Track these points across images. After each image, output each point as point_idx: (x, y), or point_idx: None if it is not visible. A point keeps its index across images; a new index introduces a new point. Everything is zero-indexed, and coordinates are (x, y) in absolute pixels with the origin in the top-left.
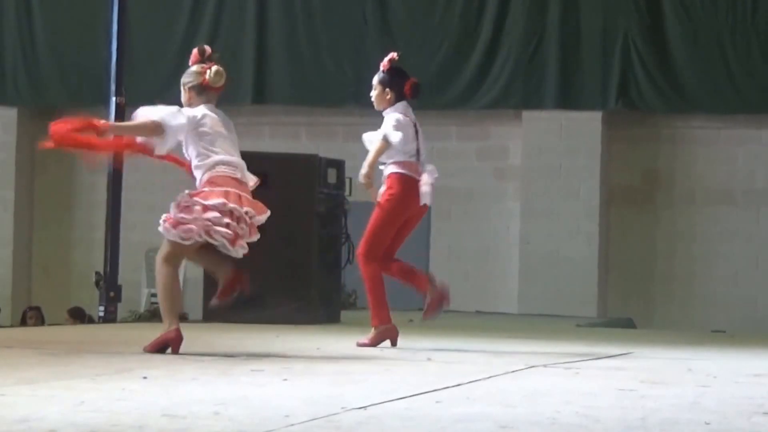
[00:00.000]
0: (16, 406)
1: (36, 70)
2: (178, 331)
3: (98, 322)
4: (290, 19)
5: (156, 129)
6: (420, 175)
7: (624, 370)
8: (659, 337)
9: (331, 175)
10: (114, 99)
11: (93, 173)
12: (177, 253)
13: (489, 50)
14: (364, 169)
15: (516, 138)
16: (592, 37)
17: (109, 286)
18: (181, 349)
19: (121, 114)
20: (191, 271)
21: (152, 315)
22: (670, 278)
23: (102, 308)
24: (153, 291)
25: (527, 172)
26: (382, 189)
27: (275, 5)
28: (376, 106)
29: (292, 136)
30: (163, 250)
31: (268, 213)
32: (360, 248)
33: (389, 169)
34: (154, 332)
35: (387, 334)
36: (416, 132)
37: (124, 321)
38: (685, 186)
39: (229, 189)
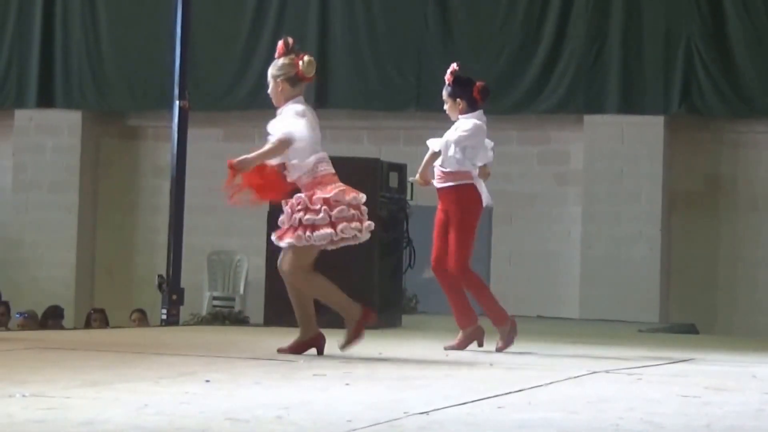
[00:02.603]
0: (80, 409)
1: (101, 74)
2: (320, 334)
3: (161, 325)
4: (352, 24)
5: (285, 143)
6: (476, 179)
7: (687, 376)
8: (722, 343)
9: (393, 179)
10: (177, 103)
11: (156, 177)
12: (306, 259)
13: (551, 54)
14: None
15: (577, 142)
16: (655, 42)
17: (172, 289)
18: (244, 353)
19: (185, 118)
20: (252, 275)
21: (214, 318)
22: (733, 284)
23: (164, 311)
24: (215, 294)
25: (589, 177)
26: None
27: (337, 10)
28: (452, 118)
29: (354, 139)
30: (288, 261)
31: (364, 196)
32: (453, 265)
33: (452, 180)
34: (216, 336)
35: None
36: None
37: (187, 324)
38: (748, 191)
39: (337, 185)
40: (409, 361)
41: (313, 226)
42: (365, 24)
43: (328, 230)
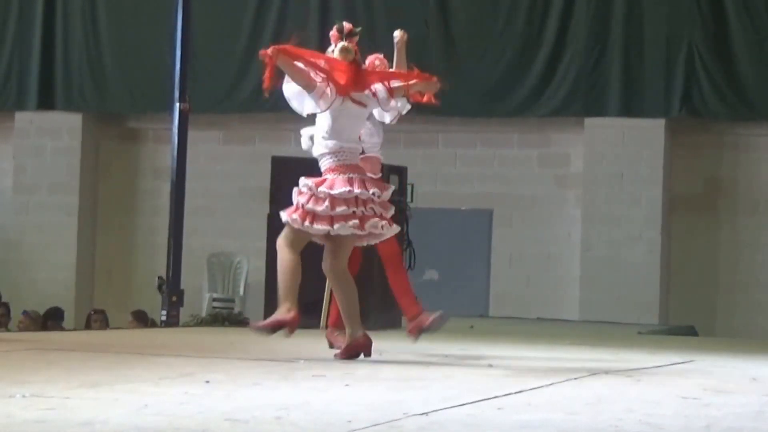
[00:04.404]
0: (80, 410)
1: (101, 77)
2: (296, 314)
3: (161, 326)
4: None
5: (309, 85)
6: None
7: (686, 378)
8: (722, 345)
9: (393, 182)
10: (178, 105)
11: (157, 179)
12: (297, 239)
13: (552, 57)
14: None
15: (578, 145)
16: (656, 45)
17: (172, 290)
18: (244, 354)
19: (185, 120)
20: (252, 276)
21: (213, 319)
22: (733, 286)
23: (164, 312)
24: (215, 296)
25: (589, 179)
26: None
27: (338, 12)
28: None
29: None
30: (285, 234)
31: (392, 188)
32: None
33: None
34: (216, 337)
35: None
36: None
37: (186, 325)
38: (748, 194)
39: (352, 175)
40: (408, 362)
41: (314, 217)
42: (366, 27)
43: (326, 226)
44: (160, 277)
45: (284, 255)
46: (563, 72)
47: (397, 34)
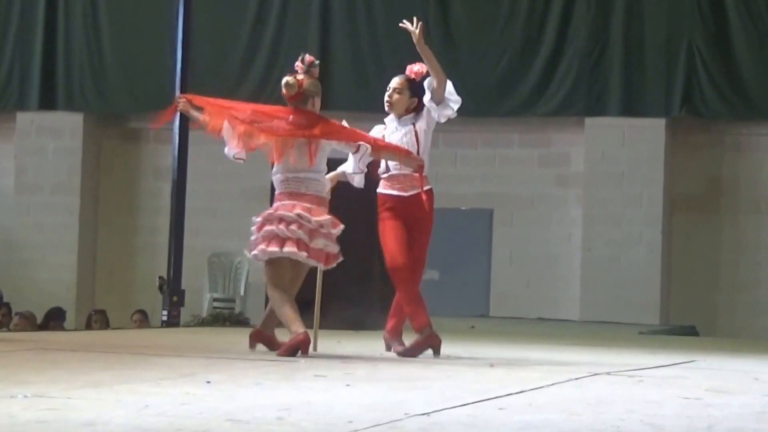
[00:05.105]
0: (81, 410)
1: (102, 77)
2: (305, 333)
3: (162, 327)
4: (353, 27)
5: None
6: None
7: (688, 378)
8: (723, 345)
9: None
10: None
11: (157, 179)
12: (273, 275)
13: (552, 57)
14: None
15: (578, 145)
16: (656, 44)
17: (173, 290)
18: (244, 354)
19: (186, 121)
20: (252, 276)
21: (214, 320)
22: (734, 286)
23: (165, 312)
24: (215, 296)
25: (590, 179)
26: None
27: (338, 13)
28: (394, 110)
29: None
30: (265, 277)
31: (328, 218)
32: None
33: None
34: (217, 337)
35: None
36: None
37: (187, 325)
38: (750, 193)
39: (284, 202)
40: (409, 362)
41: (254, 244)
42: (366, 27)
43: (256, 251)
44: (161, 277)
45: (272, 295)
46: (563, 72)
47: (413, 30)
